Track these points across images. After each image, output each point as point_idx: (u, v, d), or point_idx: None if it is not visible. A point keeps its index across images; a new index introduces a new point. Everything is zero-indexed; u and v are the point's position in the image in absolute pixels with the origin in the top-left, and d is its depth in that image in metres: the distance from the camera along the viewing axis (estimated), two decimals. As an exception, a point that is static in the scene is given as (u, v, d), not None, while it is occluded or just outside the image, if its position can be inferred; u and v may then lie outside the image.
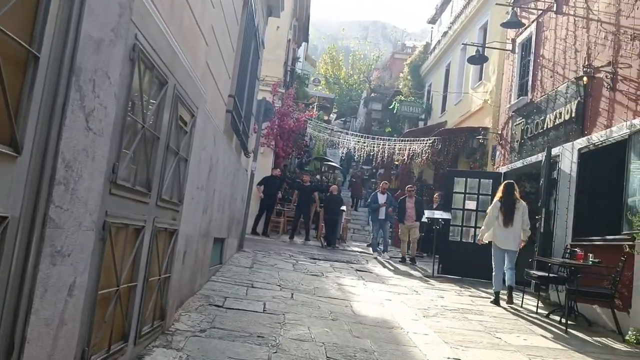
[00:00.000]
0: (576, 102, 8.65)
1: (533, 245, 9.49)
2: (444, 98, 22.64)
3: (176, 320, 4.78)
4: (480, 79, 18.05)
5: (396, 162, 24.95)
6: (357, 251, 15.29)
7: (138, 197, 3.18)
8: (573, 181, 8.40)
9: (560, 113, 9.15)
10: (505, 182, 8.86)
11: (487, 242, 8.74)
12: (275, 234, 16.42)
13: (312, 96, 27.66)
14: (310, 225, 16.56)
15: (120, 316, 3.17)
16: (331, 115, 35.79)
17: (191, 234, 5.19)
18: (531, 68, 10.78)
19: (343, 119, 38.43)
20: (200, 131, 4.92)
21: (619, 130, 7.29)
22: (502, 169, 11.63)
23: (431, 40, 26.91)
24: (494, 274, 8.56)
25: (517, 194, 8.43)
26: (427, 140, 17.80)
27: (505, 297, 8.42)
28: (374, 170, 29.13)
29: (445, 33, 22.58)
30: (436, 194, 16.25)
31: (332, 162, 24.27)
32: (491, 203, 8.92)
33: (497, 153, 12.19)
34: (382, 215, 13.91)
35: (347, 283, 8.38)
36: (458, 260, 11.17)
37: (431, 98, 25.06)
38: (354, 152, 19.88)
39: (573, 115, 8.70)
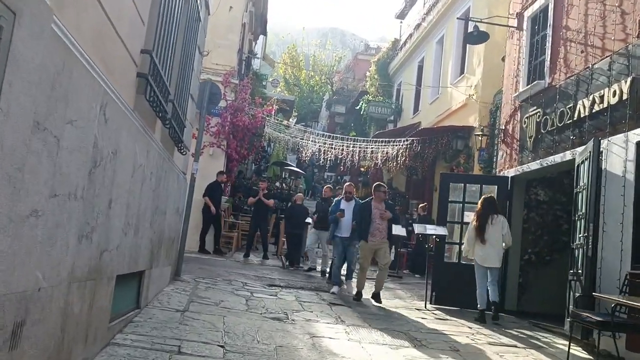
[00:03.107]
0: (629, 80, 6.43)
1: (567, 273, 7.25)
2: (417, 97, 20.56)
3: None
4: (462, 72, 15.97)
5: (362, 169, 22.71)
6: (325, 271, 12.81)
7: None
8: (630, 186, 6.16)
9: (602, 96, 6.93)
10: (485, 196, 8.44)
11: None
12: (228, 251, 13.82)
13: (270, 97, 25.20)
14: (268, 241, 14.02)
15: None
16: (291, 119, 33.24)
17: (37, 287, 2.65)
18: (549, 45, 8.57)
19: (304, 124, 35.99)
20: (46, 77, 2.41)
21: None
22: (509, 173, 9.37)
23: (400, 36, 24.85)
24: (478, 291, 8.08)
25: (497, 208, 8.33)
26: (403, 141, 15.51)
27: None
28: (339, 177, 26.81)
29: (418, 25, 20.48)
30: (421, 205, 13.98)
31: (293, 167, 21.77)
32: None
33: (500, 153, 9.94)
34: (344, 232, 9.31)
35: (323, 332, 5.90)
36: (455, 288, 8.86)
37: (401, 98, 22.95)
38: (319, 156, 17.42)
39: (624, 97, 6.48)
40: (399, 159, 15.78)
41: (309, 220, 13.50)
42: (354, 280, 9.44)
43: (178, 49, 5.79)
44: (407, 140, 15.41)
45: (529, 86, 8.93)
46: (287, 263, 12.59)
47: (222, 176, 13.06)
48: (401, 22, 25.32)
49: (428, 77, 19.04)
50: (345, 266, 9.75)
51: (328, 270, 10.98)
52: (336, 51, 46.94)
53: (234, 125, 13.67)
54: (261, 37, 24.05)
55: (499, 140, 10.16)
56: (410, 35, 21.49)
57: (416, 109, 20.42)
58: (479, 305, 8.02)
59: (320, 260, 12.08)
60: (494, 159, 13.42)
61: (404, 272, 14.10)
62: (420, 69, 20.69)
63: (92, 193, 3.35)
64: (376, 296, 8.69)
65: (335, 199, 10.64)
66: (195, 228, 12.76)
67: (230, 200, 15.69)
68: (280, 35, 63.40)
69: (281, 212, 15.73)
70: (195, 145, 8.61)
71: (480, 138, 11.87)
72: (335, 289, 9.14)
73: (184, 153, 7.11)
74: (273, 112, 16.25)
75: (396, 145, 15.77)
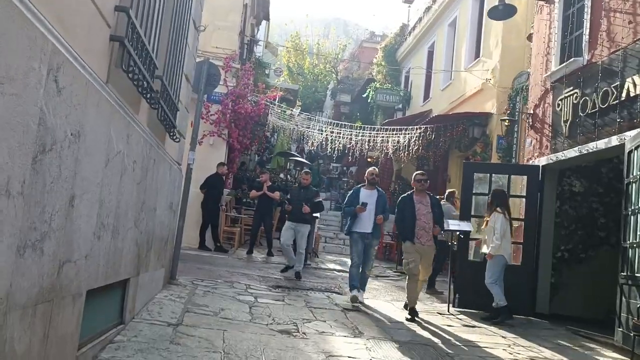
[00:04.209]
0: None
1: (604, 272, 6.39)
2: (427, 84, 19.67)
3: None
4: (478, 56, 15.05)
5: (369, 160, 21.83)
6: (335, 269, 11.98)
7: None
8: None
9: (657, 72, 6.02)
10: (499, 190, 8.01)
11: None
12: (230, 247, 12.96)
13: (273, 87, 24.23)
14: (273, 236, 13.14)
15: None
16: (294, 109, 32.17)
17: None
18: (587, 17, 7.64)
19: (308, 114, 35.04)
20: None
21: None
22: (540, 161, 8.45)
23: (408, 21, 23.90)
24: (498, 290, 7.44)
25: None
26: (416, 129, 14.59)
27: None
28: (345, 168, 25.89)
29: (428, 8, 19.52)
30: (438, 197, 13.06)
31: (299, 157, 20.88)
32: (496, 211, 7.65)
33: (529, 140, 9.02)
34: (365, 227, 7.69)
35: (341, 348, 5.02)
36: (481, 289, 7.93)
37: (410, 85, 22.03)
38: (326, 145, 16.51)
39: (689, 72, 5.57)
40: (410, 148, 14.87)
41: (317, 214, 12.64)
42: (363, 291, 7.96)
43: (167, 15, 4.90)
44: (419, 128, 14.49)
45: (564, 64, 8.00)
46: (294, 260, 11.72)
47: (223, 168, 12.17)
48: (409, 7, 24.36)
49: (439, 63, 18.12)
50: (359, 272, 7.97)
51: (301, 268, 9.55)
52: (340, 39, 45.86)
53: (236, 112, 12.77)
54: (264, 22, 23.10)
55: (527, 126, 9.21)
56: (420, 19, 20.53)
57: (427, 96, 19.52)
58: (501, 303, 7.40)
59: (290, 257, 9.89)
60: (514, 147, 12.56)
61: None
62: (430, 54, 19.78)
63: (41, 188, 2.48)
64: (410, 310, 7.06)
65: (356, 186, 8.83)
66: (196, 223, 11.94)
67: (233, 192, 14.82)
68: (283, 24, 61.90)
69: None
70: (191, 132, 7.71)
71: (506, 123, 10.91)
72: (355, 292, 7.64)
73: (177, 140, 6.21)
74: (277, 99, 15.29)
75: (408, 134, 14.85)
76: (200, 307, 5.97)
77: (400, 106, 21.93)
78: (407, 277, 7.38)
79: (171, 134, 5.83)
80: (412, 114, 19.35)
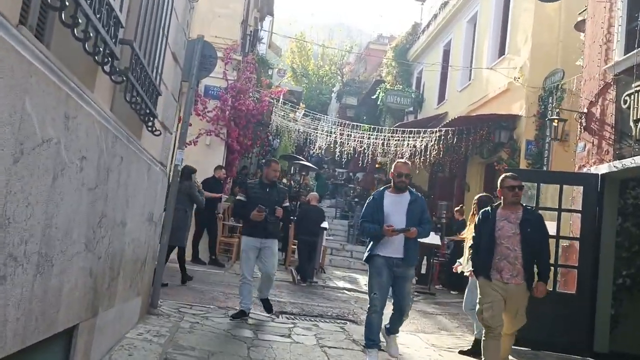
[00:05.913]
0: None
1: None
2: (442, 85, 18.38)
3: None
4: (503, 53, 13.70)
5: (378, 165, 20.52)
6: (345, 288, 10.58)
7: None
8: None
9: None
10: (485, 195, 6.43)
11: None
12: (227, 260, 11.59)
13: (277, 86, 22.90)
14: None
15: None
16: (297, 113, 30.74)
17: None
18: (666, -7, 6.28)
19: (313, 112, 33.71)
20: None
21: None
22: (600, 169, 7.03)
23: (421, 20, 22.61)
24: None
25: None
26: (436, 132, 13.24)
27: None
28: (351, 174, 24.51)
29: (444, 4, 18.19)
30: (457, 208, 11.81)
31: (303, 161, 19.50)
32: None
33: (582, 144, 7.62)
34: (393, 249, 5.14)
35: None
36: (531, 322, 6.51)
37: (422, 86, 20.71)
38: (334, 148, 15.20)
39: None
40: (427, 153, 13.53)
41: (325, 225, 11.28)
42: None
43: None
44: (440, 131, 13.13)
45: (633, 53, 6.59)
46: (299, 277, 10.35)
47: (221, 172, 10.80)
48: (422, 4, 23.08)
49: (457, 62, 16.78)
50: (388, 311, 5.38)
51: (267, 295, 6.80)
52: (344, 43, 44.63)
53: (236, 109, 11.40)
54: (268, 18, 21.80)
55: (580, 127, 7.80)
56: (435, 16, 19.22)
57: (442, 98, 18.20)
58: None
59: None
60: (545, 154, 11.28)
61: (436, 288, 11.86)
62: (446, 53, 18.44)
63: None
64: None
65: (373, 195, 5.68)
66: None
67: (232, 198, 13.44)
68: (287, 23, 60.43)
69: (291, 214, 13.52)
70: (180, 127, 6.34)
71: (555, 123, 9.48)
72: (372, 355, 5.00)
73: (158, 133, 4.81)
74: (281, 95, 13.93)
75: (426, 137, 13.50)
76: (183, 350, 4.58)
77: (411, 109, 20.63)
78: (485, 332, 4.94)
79: (149, 124, 4.45)
80: (425, 117, 18.02)
